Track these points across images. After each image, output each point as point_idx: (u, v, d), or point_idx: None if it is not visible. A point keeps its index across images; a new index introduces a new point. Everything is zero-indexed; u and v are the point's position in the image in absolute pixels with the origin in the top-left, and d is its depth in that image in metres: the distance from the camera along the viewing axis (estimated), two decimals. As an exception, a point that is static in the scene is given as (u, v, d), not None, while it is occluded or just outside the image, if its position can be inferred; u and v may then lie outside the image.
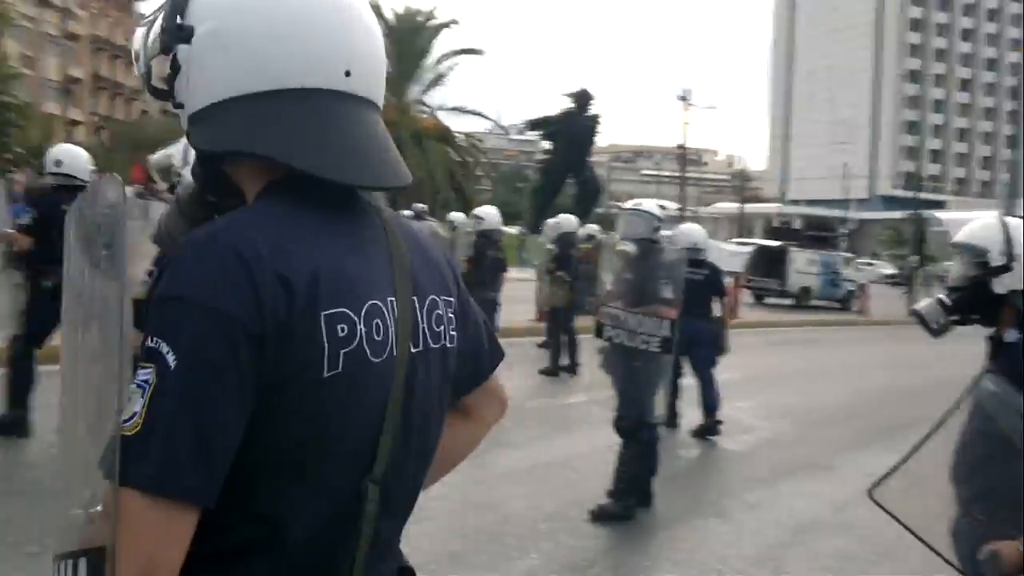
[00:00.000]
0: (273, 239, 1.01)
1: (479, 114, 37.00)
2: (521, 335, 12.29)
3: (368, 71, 1.13)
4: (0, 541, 4.06)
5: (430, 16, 35.58)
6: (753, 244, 28.96)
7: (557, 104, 49.73)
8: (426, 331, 1.14)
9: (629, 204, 5.73)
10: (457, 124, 45.16)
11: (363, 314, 1.05)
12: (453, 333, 1.20)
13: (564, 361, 9.97)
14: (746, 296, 24.15)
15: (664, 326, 5.16)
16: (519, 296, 14.41)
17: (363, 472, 1.07)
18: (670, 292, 5.39)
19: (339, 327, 1.02)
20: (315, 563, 1.05)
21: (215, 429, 0.95)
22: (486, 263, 8.66)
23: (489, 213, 9.17)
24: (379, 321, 1.07)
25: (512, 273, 15.99)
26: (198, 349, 0.95)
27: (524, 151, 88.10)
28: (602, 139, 60.71)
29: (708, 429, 7.68)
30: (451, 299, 1.21)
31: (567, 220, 10.32)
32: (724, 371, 10.40)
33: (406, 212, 15.20)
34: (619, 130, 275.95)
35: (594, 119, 47.71)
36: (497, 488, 5.70)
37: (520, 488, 5.71)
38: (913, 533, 2.21)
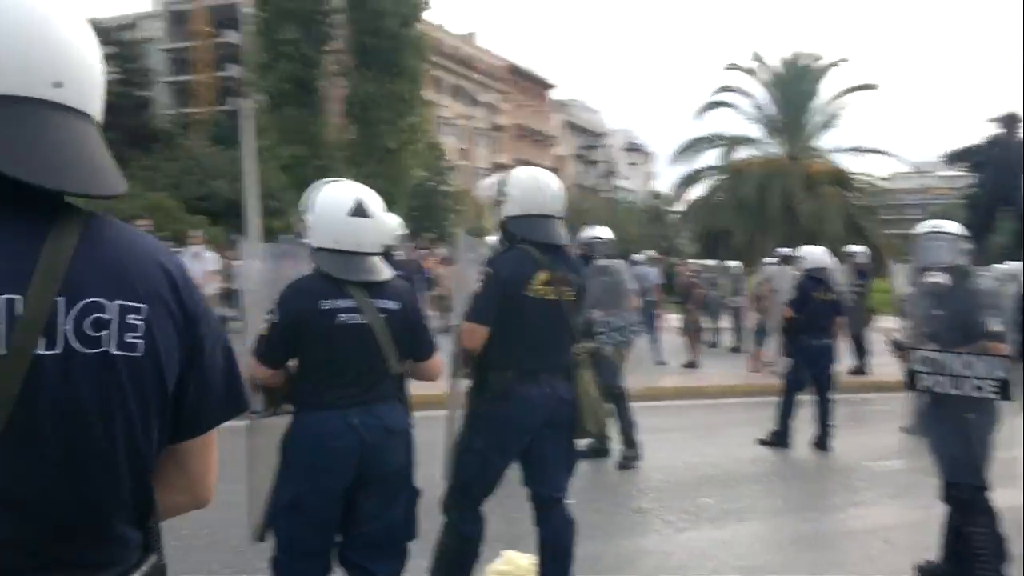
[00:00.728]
0: None
1: (880, 151, 33.96)
2: (891, 390, 10.93)
3: (81, 82, 1.17)
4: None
5: (816, 57, 34.04)
6: None
7: (981, 132, 43.98)
8: (69, 333, 1.10)
9: (926, 226, 4.84)
10: (862, 166, 42.31)
11: None
12: (133, 341, 1.15)
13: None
14: None
15: (999, 365, 4.22)
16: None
17: None
18: (999, 324, 4.42)
19: None
20: None
21: None
22: (812, 306, 7.85)
23: (812, 252, 8.36)
24: None
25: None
26: None
27: (954, 187, 79.44)
28: (1054, 163, 52.53)
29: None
30: (140, 306, 1.16)
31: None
32: None
33: (768, 260, 14.43)
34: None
35: (1029, 141, 41.36)
36: (779, 553, 5.08)
37: (808, 555, 5.02)
38: None
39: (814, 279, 8.02)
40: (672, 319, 15.74)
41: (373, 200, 3.03)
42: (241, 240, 10.36)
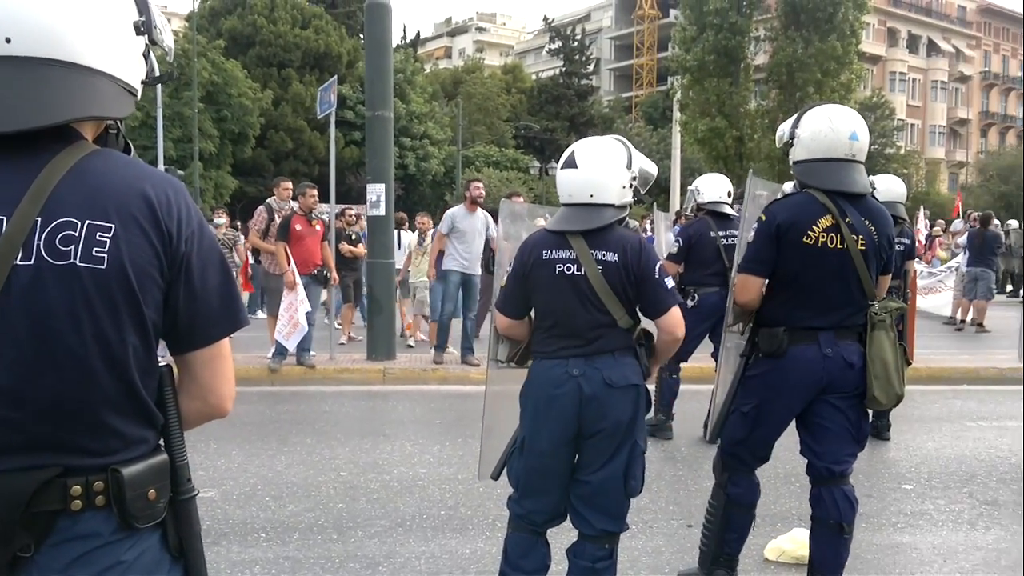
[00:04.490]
0: None
1: None
2: None
3: (32, 33, 1.33)
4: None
5: None
6: None
7: None
8: (41, 247, 1.30)
9: None
10: None
11: None
12: (99, 255, 1.32)
13: None
14: None
15: None
16: None
17: None
18: None
19: None
20: None
21: None
22: None
23: None
24: None
25: None
26: None
27: None
28: None
29: None
30: (108, 225, 1.33)
31: None
32: None
33: None
34: None
35: None
36: None
37: None
38: None
39: None
40: None
41: (590, 151, 3.03)
42: (656, 214, 10.80)
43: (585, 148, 3.04)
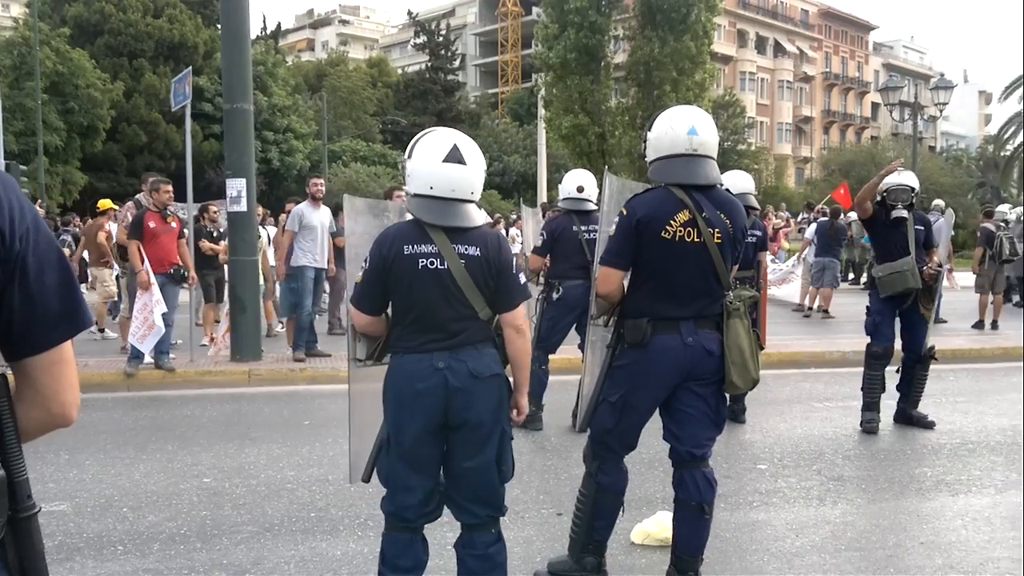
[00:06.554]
0: None
1: None
2: None
3: None
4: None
5: None
6: None
7: None
8: None
9: None
10: None
11: None
12: None
13: None
14: None
15: None
16: None
17: None
18: None
19: None
20: None
21: None
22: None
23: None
24: None
25: None
26: None
27: None
28: None
29: None
30: None
31: None
32: None
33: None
34: None
35: None
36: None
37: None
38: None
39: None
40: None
41: (470, 148, 3.04)
42: (524, 209, 10.86)
43: (467, 145, 3.05)
